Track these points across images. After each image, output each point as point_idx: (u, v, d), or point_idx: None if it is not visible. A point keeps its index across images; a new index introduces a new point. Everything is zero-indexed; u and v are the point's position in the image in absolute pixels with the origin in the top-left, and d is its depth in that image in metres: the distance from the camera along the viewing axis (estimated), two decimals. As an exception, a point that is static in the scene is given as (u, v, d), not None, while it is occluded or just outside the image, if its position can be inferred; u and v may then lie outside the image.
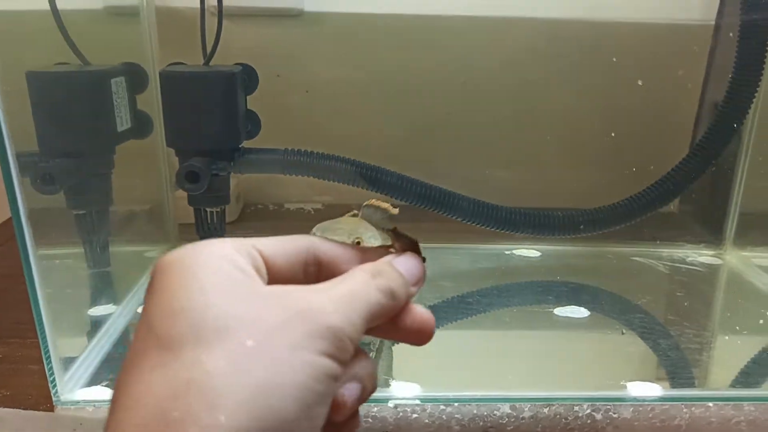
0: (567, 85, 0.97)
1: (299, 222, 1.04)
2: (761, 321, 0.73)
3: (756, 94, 0.77)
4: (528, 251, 0.90)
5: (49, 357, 0.56)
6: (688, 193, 0.88)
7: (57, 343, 0.57)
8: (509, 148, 1.01)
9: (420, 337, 0.30)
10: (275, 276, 0.29)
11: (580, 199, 0.93)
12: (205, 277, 0.25)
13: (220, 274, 0.25)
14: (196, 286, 0.24)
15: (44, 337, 0.56)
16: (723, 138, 0.78)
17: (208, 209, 0.76)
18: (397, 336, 0.31)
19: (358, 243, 0.33)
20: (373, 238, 0.34)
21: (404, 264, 0.31)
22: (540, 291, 0.80)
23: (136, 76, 0.77)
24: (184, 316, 0.23)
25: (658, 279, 0.85)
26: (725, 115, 0.79)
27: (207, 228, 0.78)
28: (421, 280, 0.32)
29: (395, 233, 0.33)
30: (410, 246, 0.32)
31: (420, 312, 0.31)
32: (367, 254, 0.32)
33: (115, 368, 0.60)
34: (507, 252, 0.89)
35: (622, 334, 0.67)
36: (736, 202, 0.91)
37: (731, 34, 0.81)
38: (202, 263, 0.25)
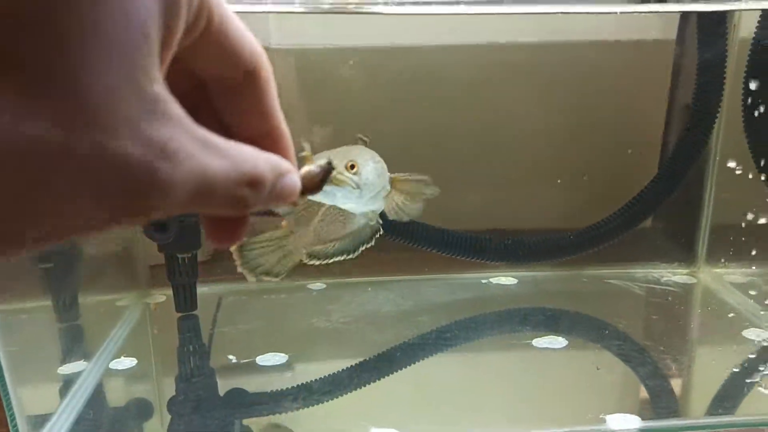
0: (535, 107, 0.98)
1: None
2: (734, 343, 0.73)
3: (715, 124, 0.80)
4: (505, 279, 0.90)
5: (15, 423, 0.54)
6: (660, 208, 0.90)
7: (25, 405, 0.56)
8: (480, 171, 1.01)
9: (216, 237, 0.25)
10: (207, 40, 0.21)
11: (554, 220, 0.94)
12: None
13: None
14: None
15: (9, 402, 0.54)
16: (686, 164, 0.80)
17: (179, 255, 0.75)
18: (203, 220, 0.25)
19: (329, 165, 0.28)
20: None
21: (289, 185, 0.24)
22: (517, 321, 0.80)
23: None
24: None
25: (633, 302, 0.86)
26: (684, 149, 0.81)
27: (179, 274, 0.77)
28: (281, 204, 0.24)
29: (325, 165, 0.27)
30: (314, 183, 0.26)
31: (239, 224, 0.25)
32: (281, 137, 0.25)
33: (87, 430, 0.59)
34: (484, 281, 0.89)
35: (597, 369, 0.66)
36: (707, 216, 0.92)
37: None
38: None
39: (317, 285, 0.88)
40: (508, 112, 0.97)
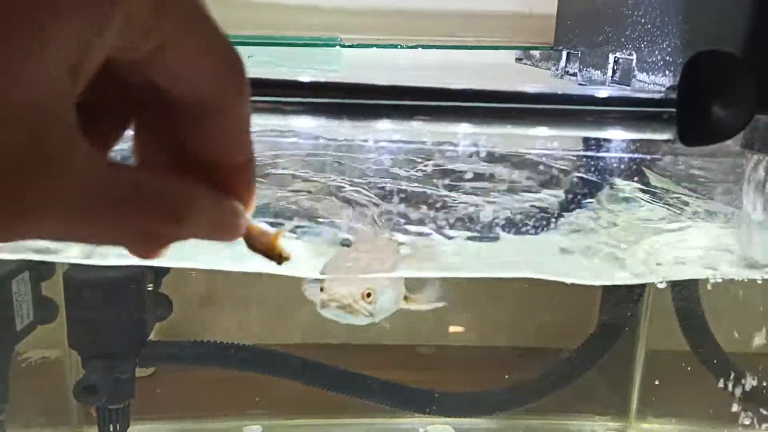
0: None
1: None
2: None
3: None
4: (442, 428, 0.90)
5: None
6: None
7: None
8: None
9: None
10: None
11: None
12: None
13: None
14: None
15: None
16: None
17: (110, 407, 0.74)
18: None
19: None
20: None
21: (228, 228, 0.22)
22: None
23: (41, 267, 0.76)
24: None
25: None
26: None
27: (110, 424, 0.75)
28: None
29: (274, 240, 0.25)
30: (261, 245, 0.25)
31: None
32: (242, 175, 0.22)
33: None
34: (421, 429, 0.89)
35: None
36: (639, 370, 0.95)
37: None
38: None
39: (253, 428, 0.87)
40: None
